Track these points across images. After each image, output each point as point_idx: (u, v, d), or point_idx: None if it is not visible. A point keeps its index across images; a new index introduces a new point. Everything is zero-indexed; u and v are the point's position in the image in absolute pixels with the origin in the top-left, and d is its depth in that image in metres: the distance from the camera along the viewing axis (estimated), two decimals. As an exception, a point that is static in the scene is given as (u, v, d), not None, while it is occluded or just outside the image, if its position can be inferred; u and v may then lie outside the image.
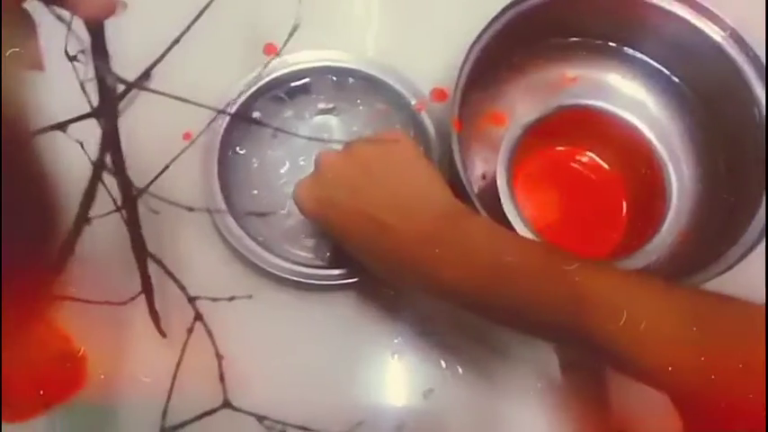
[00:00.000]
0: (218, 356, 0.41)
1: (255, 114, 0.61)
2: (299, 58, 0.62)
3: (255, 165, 0.61)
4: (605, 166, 0.64)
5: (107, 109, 0.32)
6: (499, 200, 0.58)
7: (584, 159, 0.64)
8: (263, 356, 0.57)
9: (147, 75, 0.34)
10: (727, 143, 0.60)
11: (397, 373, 0.58)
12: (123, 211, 0.37)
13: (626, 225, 0.63)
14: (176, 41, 0.35)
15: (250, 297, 0.46)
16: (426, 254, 0.45)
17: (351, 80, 0.63)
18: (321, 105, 0.63)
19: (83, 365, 0.35)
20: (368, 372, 0.58)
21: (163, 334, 0.45)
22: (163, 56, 0.34)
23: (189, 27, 0.34)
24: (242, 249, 0.56)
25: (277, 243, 0.59)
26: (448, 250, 0.45)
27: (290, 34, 0.42)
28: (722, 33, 0.58)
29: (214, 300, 0.44)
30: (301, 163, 0.61)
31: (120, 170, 0.34)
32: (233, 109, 0.58)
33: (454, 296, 0.46)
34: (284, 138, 0.61)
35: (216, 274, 0.59)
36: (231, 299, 0.45)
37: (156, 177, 0.42)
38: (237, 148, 0.61)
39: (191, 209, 0.39)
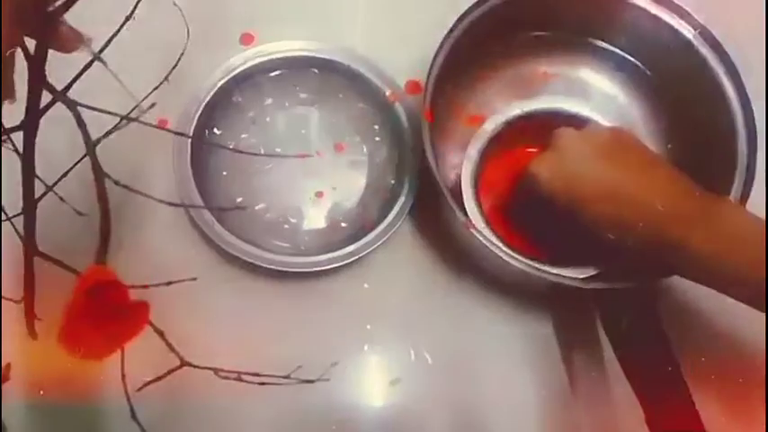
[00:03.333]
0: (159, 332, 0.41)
1: (236, 99, 0.63)
2: (280, 47, 0.63)
3: (231, 147, 0.62)
4: None
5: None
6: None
7: None
8: (228, 344, 0.58)
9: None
10: (698, 138, 0.60)
11: (365, 362, 0.59)
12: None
13: None
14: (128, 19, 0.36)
15: (194, 279, 0.47)
16: (676, 230, 0.49)
17: (333, 74, 0.64)
18: (302, 96, 0.64)
19: (144, 310, 0.36)
20: (337, 359, 0.59)
21: (34, 336, 0.45)
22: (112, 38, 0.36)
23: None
24: (213, 237, 0.58)
25: (257, 237, 0.60)
26: (714, 227, 0.48)
27: None
28: (692, 30, 0.58)
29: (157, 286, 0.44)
30: (277, 149, 0.62)
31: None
32: (212, 92, 0.60)
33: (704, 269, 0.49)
34: (262, 124, 0.63)
35: (187, 260, 0.60)
36: (169, 283, 0.45)
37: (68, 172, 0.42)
38: (215, 129, 0.62)
39: (166, 203, 0.41)
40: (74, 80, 0.35)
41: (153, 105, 0.40)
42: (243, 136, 0.62)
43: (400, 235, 0.61)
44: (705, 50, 0.58)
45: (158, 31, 0.55)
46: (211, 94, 0.60)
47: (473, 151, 0.61)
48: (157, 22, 0.54)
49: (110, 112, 0.37)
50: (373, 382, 0.59)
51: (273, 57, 0.62)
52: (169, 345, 0.40)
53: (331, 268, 0.58)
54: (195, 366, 0.41)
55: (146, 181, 0.61)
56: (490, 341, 0.60)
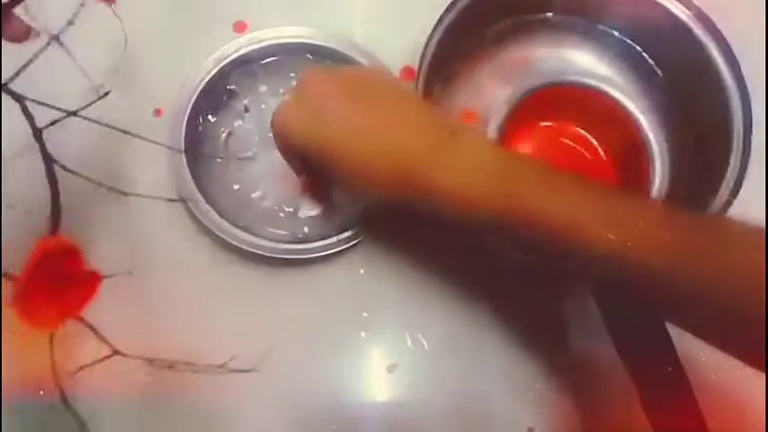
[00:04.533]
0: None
1: (230, 86, 0.63)
2: (274, 33, 0.63)
3: (224, 134, 0.62)
4: (593, 141, 0.64)
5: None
6: None
7: (572, 133, 0.64)
8: (227, 330, 0.59)
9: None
10: (695, 118, 0.60)
11: (362, 348, 0.59)
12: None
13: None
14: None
15: (131, 273, 0.47)
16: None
17: (327, 61, 0.64)
18: (296, 83, 0.64)
19: (95, 280, 0.36)
20: (332, 346, 0.59)
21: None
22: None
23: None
24: (209, 224, 0.58)
25: (255, 225, 0.60)
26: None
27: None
28: (687, 12, 0.58)
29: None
30: (270, 135, 0.61)
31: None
32: (206, 79, 0.60)
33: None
34: (256, 111, 0.63)
35: (183, 249, 0.61)
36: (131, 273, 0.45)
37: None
38: (209, 116, 0.62)
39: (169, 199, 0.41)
40: (22, 69, 0.36)
41: (107, 93, 0.40)
42: (237, 123, 0.62)
43: (397, 220, 0.61)
44: (700, 32, 0.58)
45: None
46: (205, 81, 0.60)
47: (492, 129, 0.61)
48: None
49: (56, 108, 0.38)
50: (370, 368, 0.59)
51: (267, 43, 0.62)
52: (100, 336, 0.40)
53: (327, 255, 0.58)
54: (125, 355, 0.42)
55: (137, 167, 0.61)
56: (488, 326, 0.60)
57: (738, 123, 0.56)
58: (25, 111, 0.37)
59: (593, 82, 0.61)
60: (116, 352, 0.41)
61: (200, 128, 0.61)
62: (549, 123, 0.64)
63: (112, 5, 0.50)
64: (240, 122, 0.62)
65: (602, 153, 0.64)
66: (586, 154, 0.64)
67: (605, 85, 0.61)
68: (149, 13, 0.65)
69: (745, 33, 0.59)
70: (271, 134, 0.61)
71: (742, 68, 0.57)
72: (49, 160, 0.37)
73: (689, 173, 0.60)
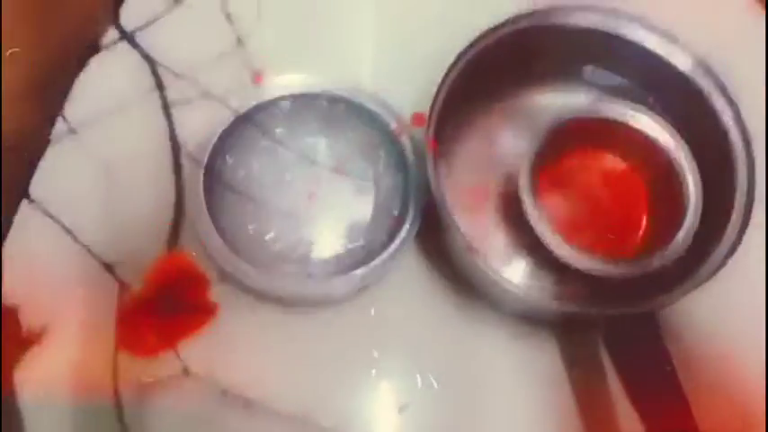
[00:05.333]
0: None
1: (248, 130, 0.65)
2: (291, 81, 0.66)
3: (242, 175, 0.64)
4: (625, 166, 0.65)
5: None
6: (473, 224, 0.61)
7: (606, 162, 0.65)
8: (237, 369, 0.59)
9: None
10: (701, 164, 0.61)
11: (372, 388, 0.60)
12: None
13: (645, 227, 0.64)
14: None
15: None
16: None
17: (341, 106, 0.66)
18: (311, 126, 0.66)
19: (211, 311, 0.34)
20: (343, 386, 0.60)
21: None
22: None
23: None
24: (223, 263, 0.59)
25: (268, 266, 0.61)
26: None
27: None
28: (690, 62, 0.60)
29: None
30: (287, 178, 0.64)
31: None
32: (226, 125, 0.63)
33: None
34: (272, 153, 0.65)
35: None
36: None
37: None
38: (227, 157, 0.64)
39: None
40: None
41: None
42: (254, 165, 0.64)
43: (407, 261, 0.63)
44: (703, 81, 0.60)
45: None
46: (225, 126, 0.63)
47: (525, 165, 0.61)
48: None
49: None
50: (381, 408, 0.60)
51: (285, 92, 0.65)
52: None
53: (338, 295, 0.60)
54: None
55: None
56: (498, 366, 0.61)
57: (742, 170, 0.58)
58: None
59: (619, 113, 0.62)
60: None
61: (218, 171, 0.63)
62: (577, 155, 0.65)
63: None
64: (257, 164, 0.64)
65: (632, 176, 0.65)
66: (615, 180, 0.65)
67: (630, 111, 0.62)
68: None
69: (745, 82, 0.61)
70: (288, 176, 0.64)
71: (743, 117, 0.59)
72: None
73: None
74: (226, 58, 0.69)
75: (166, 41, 0.69)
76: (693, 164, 0.60)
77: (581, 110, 0.62)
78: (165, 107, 0.64)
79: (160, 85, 0.65)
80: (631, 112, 0.61)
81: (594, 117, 0.62)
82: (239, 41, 0.69)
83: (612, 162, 0.65)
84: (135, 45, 0.66)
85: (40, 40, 0.28)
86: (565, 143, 0.63)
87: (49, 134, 0.62)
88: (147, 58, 0.67)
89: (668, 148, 0.60)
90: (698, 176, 0.59)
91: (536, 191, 0.59)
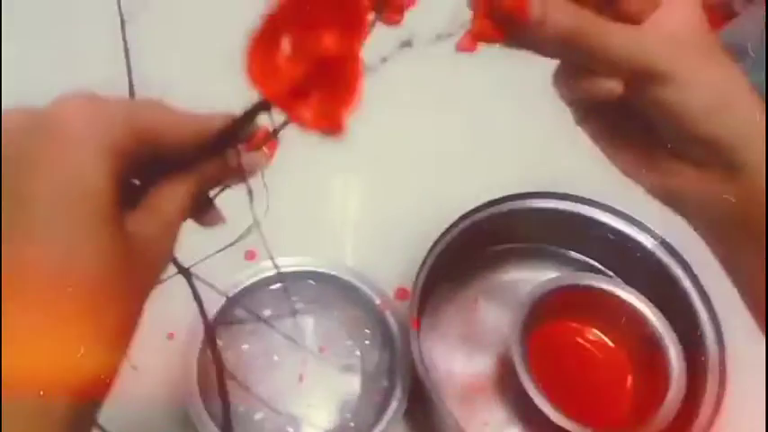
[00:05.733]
0: None
1: (238, 312, 0.67)
2: (280, 262, 0.68)
3: (230, 359, 0.66)
4: (608, 341, 0.67)
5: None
6: (461, 399, 0.63)
7: (589, 336, 0.68)
8: None
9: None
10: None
11: None
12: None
13: (631, 396, 0.65)
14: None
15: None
16: None
17: (327, 285, 0.69)
18: (299, 306, 0.69)
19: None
20: None
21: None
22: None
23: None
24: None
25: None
26: None
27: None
28: (653, 241, 0.65)
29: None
30: (275, 359, 0.66)
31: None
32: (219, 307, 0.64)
33: None
34: (261, 334, 0.67)
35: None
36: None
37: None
38: (217, 341, 0.66)
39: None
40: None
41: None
42: (244, 347, 0.66)
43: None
44: (666, 258, 0.64)
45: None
46: (216, 309, 0.64)
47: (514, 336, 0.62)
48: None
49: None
50: None
51: (273, 272, 0.67)
52: None
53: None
54: None
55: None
56: None
57: (711, 338, 0.61)
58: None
59: (595, 282, 0.65)
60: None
61: (209, 353, 0.64)
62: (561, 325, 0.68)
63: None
64: (246, 346, 0.66)
65: (614, 348, 0.67)
66: (599, 353, 0.67)
67: (608, 285, 0.64)
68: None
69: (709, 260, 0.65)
70: (276, 357, 0.65)
71: (709, 293, 0.63)
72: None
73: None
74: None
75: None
76: (673, 334, 0.62)
77: (563, 281, 0.65)
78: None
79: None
80: (609, 285, 0.65)
81: (577, 287, 0.65)
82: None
83: (594, 333, 0.68)
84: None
85: None
86: (548, 314, 0.65)
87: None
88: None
89: (648, 318, 0.63)
90: (679, 347, 0.62)
91: (527, 362, 0.61)
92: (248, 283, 0.67)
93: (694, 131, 0.36)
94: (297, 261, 0.69)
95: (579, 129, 0.43)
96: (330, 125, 0.28)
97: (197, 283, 0.46)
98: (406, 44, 0.35)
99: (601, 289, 0.65)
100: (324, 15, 0.26)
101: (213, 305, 0.64)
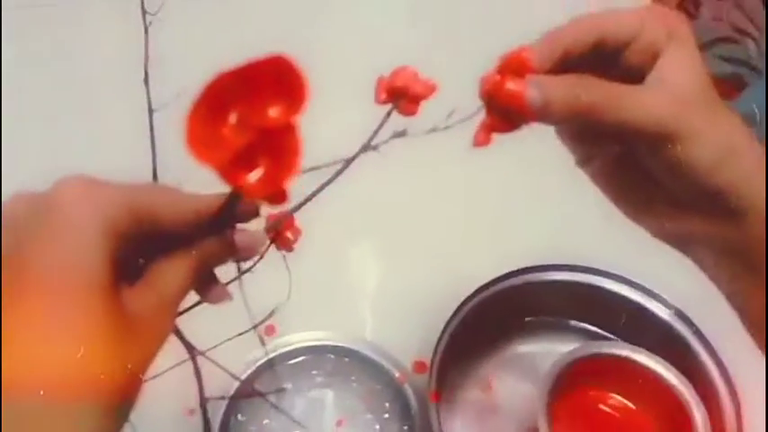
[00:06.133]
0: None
1: (258, 386, 0.67)
2: (299, 337, 0.70)
3: (253, 432, 0.66)
4: (633, 407, 0.67)
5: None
6: None
7: (614, 403, 0.67)
8: None
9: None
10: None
11: None
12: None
13: None
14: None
15: None
16: None
17: (346, 359, 0.70)
18: (318, 380, 0.70)
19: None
20: None
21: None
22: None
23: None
24: None
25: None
26: None
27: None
28: (669, 312, 0.66)
29: None
30: (296, 432, 0.66)
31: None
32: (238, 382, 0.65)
33: None
34: (282, 410, 0.66)
35: None
36: None
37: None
38: (239, 416, 0.66)
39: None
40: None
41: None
42: (265, 422, 0.66)
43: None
44: (682, 329, 0.65)
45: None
46: (236, 385, 0.65)
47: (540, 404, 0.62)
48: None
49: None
50: None
51: (293, 347, 0.69)
52: None
53: None
54: None
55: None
56: None
57: (728, 407, 0.61)
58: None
59: (617, 350, 0.64)
60: None
61: (231, 429, 0.65)
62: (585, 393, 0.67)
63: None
64: (267, 421, 0.66)
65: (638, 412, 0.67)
66: (624, 419, 0.67)
67: (631, 352, 0.64)
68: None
69: (720, 326, 0.66)
70: (296, 431, 0.66)
71: (726, 364, 0.63)
72: None
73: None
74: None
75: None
76: (698, 400, 0.62)
77: (586, 350, 0.65)
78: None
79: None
80: (633, 352, 0.64)
81: (601, 355, 0.64)
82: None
83: (617, 399, 0.67)
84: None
85: None
86: (571, 384, 0.65)
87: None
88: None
89: (672, 384, 0.63)
90: (704, 411, 0.61)
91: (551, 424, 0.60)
92: (267, 358, 0.68)
93: (701, 186, 0.36)
94: (316, 335, 0.70)
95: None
96: (275, 192, 0.30)
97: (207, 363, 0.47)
98: (400, 134, 0.37)
99: (624, 356, 0.64)
100: (268, 88, 0.28)
101: (232, 382, 0.65)
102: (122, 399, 0.30)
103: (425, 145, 0.38)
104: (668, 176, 0.37)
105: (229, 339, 0.51)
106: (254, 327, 0.48)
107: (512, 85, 0.35)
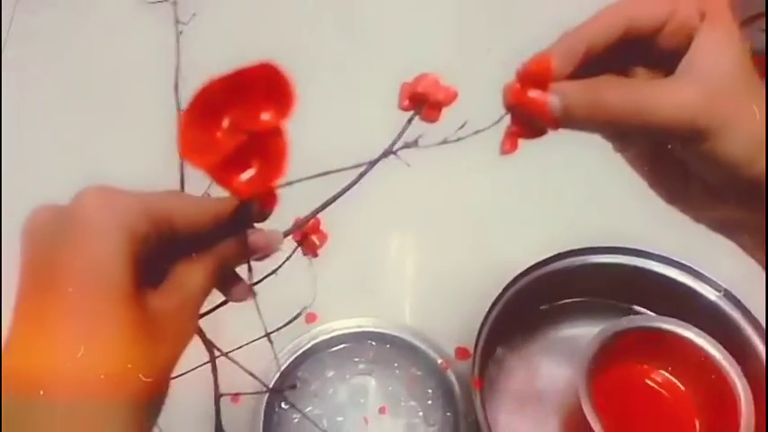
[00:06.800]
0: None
1: (301, 374, 0.68)
2: (340, 324, 0.70)
3: (296, 421, 0.66)
4: (677, 383, 0.66)
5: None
6: None
7: (658, 378, 0.67)
8: None
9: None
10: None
11: None
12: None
13: None
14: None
15: None
16: None
17: (388, 345, 0.70)
18: (361, 367, 0.70)
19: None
20: None
21: None
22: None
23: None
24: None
25: None
26: None
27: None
28: (716, 293, 0.64)
29: None
30: (338, 419, 0.66)
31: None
32: (281, 370, 0.66)
33: None
34: (324, 396, 0.68)
35: None
36: None
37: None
38: (282, 404, 0.67)
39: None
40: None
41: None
42: (308, 409, 0.67)
43: None
44: (731, 310, 0.63)
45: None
46: (280, 372, 0.66)
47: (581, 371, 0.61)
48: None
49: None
50: None
51: (334, 334, 0.69)
52: None
53: None
54: None
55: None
56: None
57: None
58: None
59: (664, 324, 0.63)
60: None
61: (275, 416, 0.66)
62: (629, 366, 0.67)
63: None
64: (310, 408, 0.67)
65: (683, 390, 0.66)
66: (668, 395, 0.66)
67: (677, 327, 0.63)
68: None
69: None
70: (340, 418, 0.66)
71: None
72: None
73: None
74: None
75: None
76: (742, 377, 0.60)
77: (633, 323, 0.64)
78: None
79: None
80: (678, 327, 0.63)
81: (647, 329, 0.63)
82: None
83: (663, 375, 0.66)
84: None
85: None
86: (616, 357, 0.64)
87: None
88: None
89: (717, 360, 0.61)
90: (748, 390, 0.60)
91: (593, 401, 0.59)
92: (309, 346, 0.68)
93: (737, 177, 0.35)
94: (357, 322, 0.70)
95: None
96: (264, 192, 0.32)
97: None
98: (413, 144, 0.37)
99: (670, 331, 0.63)
100: (257, 94, 0.29)
101: (274, 371, 0.66)
102: (150, 398, 0.31)
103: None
104: (703, 168, 0.36)
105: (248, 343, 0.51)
106: (267, 335, 0.47)
107: (533, 93, 0.34)
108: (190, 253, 0.34)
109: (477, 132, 0.37)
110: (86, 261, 0.30)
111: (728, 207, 0.38)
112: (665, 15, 0.35)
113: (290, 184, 0.34)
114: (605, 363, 0.63)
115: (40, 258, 0.31)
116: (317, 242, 0.44)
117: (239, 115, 0.30)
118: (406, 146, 0.37)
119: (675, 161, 0.38)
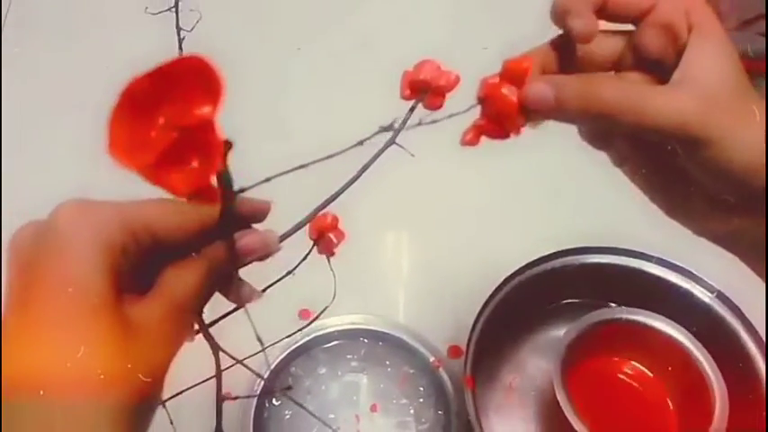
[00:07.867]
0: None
1: (293, 371, 0.68)
2: (334, 321, 0.70)
3: (288, 416, 0.66)
4: (647, 371, 0.67)
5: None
6: None
7: (629, 370, 0.67)
8: None
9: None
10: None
11: None
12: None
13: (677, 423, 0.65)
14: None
15: None
16: None
17: (380, 343, 0.70)
18: (353, 364, 0.70)
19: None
20: None
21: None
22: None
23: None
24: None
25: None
26: None
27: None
28: (710, 294, 0.64)
29: None
30: (330, 416, 0.66)
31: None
32: (272, 367, 0.65)
33: None
34: (316, 393, 0.67)
35: None
36: None
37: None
38: (274, 400, 0.67)
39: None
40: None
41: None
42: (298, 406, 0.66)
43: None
44: (723, 311, 0.63)
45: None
46: (271, 368, 0.66)
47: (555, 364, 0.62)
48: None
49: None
50: None
51: (327, 330, 0.69)
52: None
53: None
54: None
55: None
56: None
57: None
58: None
59: (641, 318, 0.64)
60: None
61: (266, 413, 0.66)
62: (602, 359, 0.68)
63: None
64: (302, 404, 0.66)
65: (654, 378, 0.67)
66: (641, 388, 0.67)
67: (656, 321, 0.63)
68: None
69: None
70: (332, 415, 0.66)
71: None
72: None
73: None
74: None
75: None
76: (717, 371, 0.60)
77: (600, 316, 0.64)
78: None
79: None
80: (651, 319, 0.64)
81: (617, 321, 0.64)
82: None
83: (633, 366, 0.67)
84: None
85: None
86: (586, 351, 0.65)
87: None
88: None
89: (690, 350, 0.62)
90: (717, 371, 0.60)
91: (569, 393, 0.60)
92: (302, 342, 0.68)
93: (739, 186, 0.35)
94: (350, 320, 0.70)
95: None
96: (202, 189, 0.31)
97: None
98: (387, 128, 0.37)
99: (640, 323, 0.64)
100: (186, 87, 0.29)
101: (266, 366, 0.66)
102: (139, 400, 0.31)
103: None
104: (705, 178, 0.36)
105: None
106: (270, 344, 0.47)
107: (506, 90, 0.35)
108: (177, 259, 0.34)
109: (451, 116, 0.36)
110: (63, 275, 0.30)
111: (731, 218, 0.38)
112: (646, 4, 0.36)
113: (290, 171, 0.33)
114: (578, 358, 0.64)
115: (22, 273, 0.31)
116: (335, 240, 0.43)
117: (172, 111, 0.29)
118: (382, 130, 0.37)
119: (676, 174, 0.38)
